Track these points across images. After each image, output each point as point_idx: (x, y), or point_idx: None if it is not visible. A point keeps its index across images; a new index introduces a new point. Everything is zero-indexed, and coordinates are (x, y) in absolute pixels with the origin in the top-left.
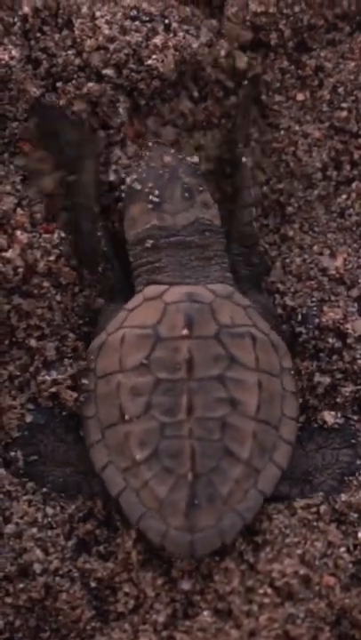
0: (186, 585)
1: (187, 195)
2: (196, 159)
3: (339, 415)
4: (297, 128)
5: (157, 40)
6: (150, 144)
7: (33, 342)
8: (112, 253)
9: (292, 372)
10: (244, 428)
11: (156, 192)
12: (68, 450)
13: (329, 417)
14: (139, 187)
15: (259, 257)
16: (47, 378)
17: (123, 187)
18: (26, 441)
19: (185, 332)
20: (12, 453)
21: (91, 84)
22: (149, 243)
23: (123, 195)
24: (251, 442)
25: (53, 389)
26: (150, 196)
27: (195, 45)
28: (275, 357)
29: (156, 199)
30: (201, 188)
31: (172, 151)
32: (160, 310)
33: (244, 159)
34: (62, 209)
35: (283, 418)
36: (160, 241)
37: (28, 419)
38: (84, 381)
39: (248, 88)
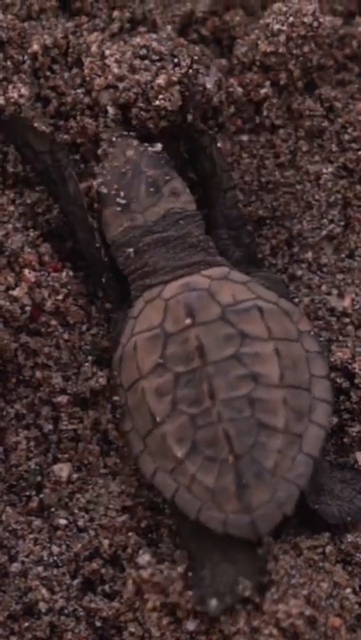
0: (191, 625)
1: (152, 189)
2: (159, 147)
3: None
4: (307, 168)
5: (161, 80)
6: (113, 139)
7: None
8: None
9: (312, 333)
10: (272, 399)
11: (122, 193)
12: None
13: None
14: (105, 190)
15: (249, 236)
16: None
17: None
18: None
19: (188, 321)
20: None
21: (88, 120)
22: (131, 250)
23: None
24: (283, 410)
25: None
26: (117, 199)
27: (209, 86)
28: (289, 323)
29: (122, 201)
30: (167, 177)
31: (135, 143)
32: (162, 308)
33: (220, 144)
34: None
35: (312, 378)
36: (139, 245)
37: None
38: (115, 398)
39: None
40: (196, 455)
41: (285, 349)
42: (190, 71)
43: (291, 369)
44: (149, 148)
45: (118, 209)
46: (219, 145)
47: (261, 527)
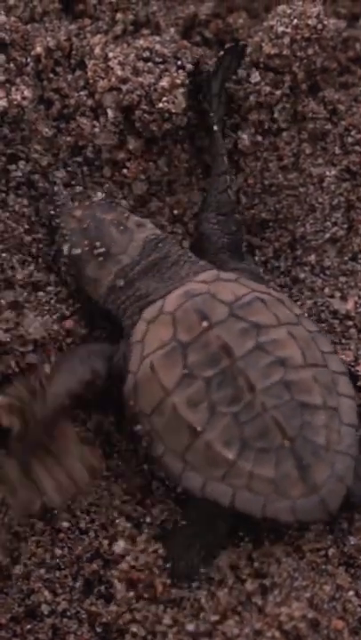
0: (190, 626)
1: (121, 228)
2: (100, 195)
3: None
4: (310, 170)
5: (165, 82)
6: (53, 213)
7: None
8: None
9: (306, 315)
10: (304, 378)
11: (97, 244)
12: None
13: None
14: (78, 251)
15: (236, 224)
16: None
17: (63, 260)
18: None
19: (205, 324)
20: None
21: (83, 120)
22: (121, 282)
23: (66, 268)
24: (316, 387)
25: None
26: (94, 251)
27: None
28: (285, 309)
29: (101, 250)
30: (125, 215)
31: (75, 204)
32: (169, 322)
33: (215, 127)
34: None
35: (324, 355)
36: (128, 276)
37: None
38: (138, 427)
39: (228, 57)
40: (249, 451)
41: (295, 331)
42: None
43: (306, 348)
44: (93, 199)
45: (100, 259)
46: (215, 128)
47: (331, 504)
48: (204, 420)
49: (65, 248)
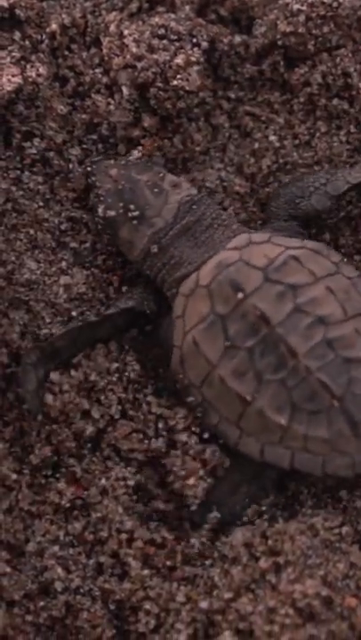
0: (204, 603)
1: (156, 190)
2: (136, 154)
3: None
4: (325, 149)
5: (180, 60)
6: (89, 169)
7: None
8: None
9: (345, 260)
10: (346, 333)
11: (132, 207)
12: None
13: None
14: (113, 212)
15: (320, 204)
16: None
17: (98, 221)
18: None
19: (240, 295)
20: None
21: (98, 98)
22: (155, 248)
23: (100, 228)
24: (360, 339)
25: None
26: (129, 214)
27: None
28: (322, 259)
29: (135, 213)
30: (161, 175)
31: (111, 162)
32: (205, 295)
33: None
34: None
35: None
36: (162, 241)
37: None
38: (190, 399)
39: None
40: (300, 415)
41: (334, 284)
42: None
43: (347, 300)
44: (129, 158)
45: (135, 222)
46: None
47: None
48: (253, 389)
49: (100, 209)
